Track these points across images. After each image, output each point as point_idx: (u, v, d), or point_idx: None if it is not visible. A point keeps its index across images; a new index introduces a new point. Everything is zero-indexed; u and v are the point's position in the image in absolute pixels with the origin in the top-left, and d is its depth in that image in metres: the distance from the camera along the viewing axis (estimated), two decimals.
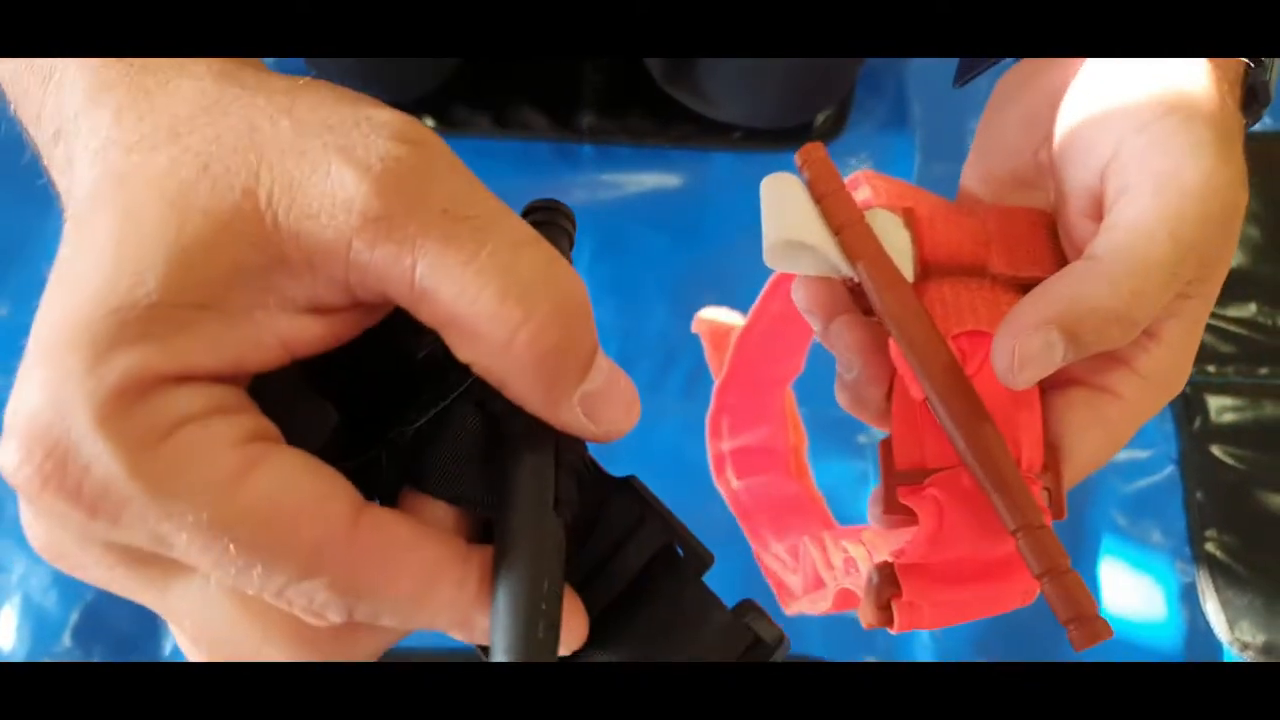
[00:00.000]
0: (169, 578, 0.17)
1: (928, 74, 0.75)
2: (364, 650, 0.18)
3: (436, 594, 0.17)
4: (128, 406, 0.15)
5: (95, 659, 0.61)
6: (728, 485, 0.40)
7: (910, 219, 0.25)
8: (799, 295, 0.26)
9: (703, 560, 0.19)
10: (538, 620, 0.16)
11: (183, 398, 0.15)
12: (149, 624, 0.62)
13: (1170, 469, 0.68)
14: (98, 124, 0.17)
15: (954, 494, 0.24)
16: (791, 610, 0.36)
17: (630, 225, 0.71)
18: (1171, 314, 0.24)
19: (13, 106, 0.20)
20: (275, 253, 0.16)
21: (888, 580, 0.25)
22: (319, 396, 0.17)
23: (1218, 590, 0.66)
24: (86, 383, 0.15)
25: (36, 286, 0.63)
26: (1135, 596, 0.66)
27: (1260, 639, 0.65)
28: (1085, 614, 0.22)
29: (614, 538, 0.19)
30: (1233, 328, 0.71)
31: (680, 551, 0.19)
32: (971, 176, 0.29)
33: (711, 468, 0.40)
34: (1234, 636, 0.65)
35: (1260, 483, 0.68)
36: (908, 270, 0.25)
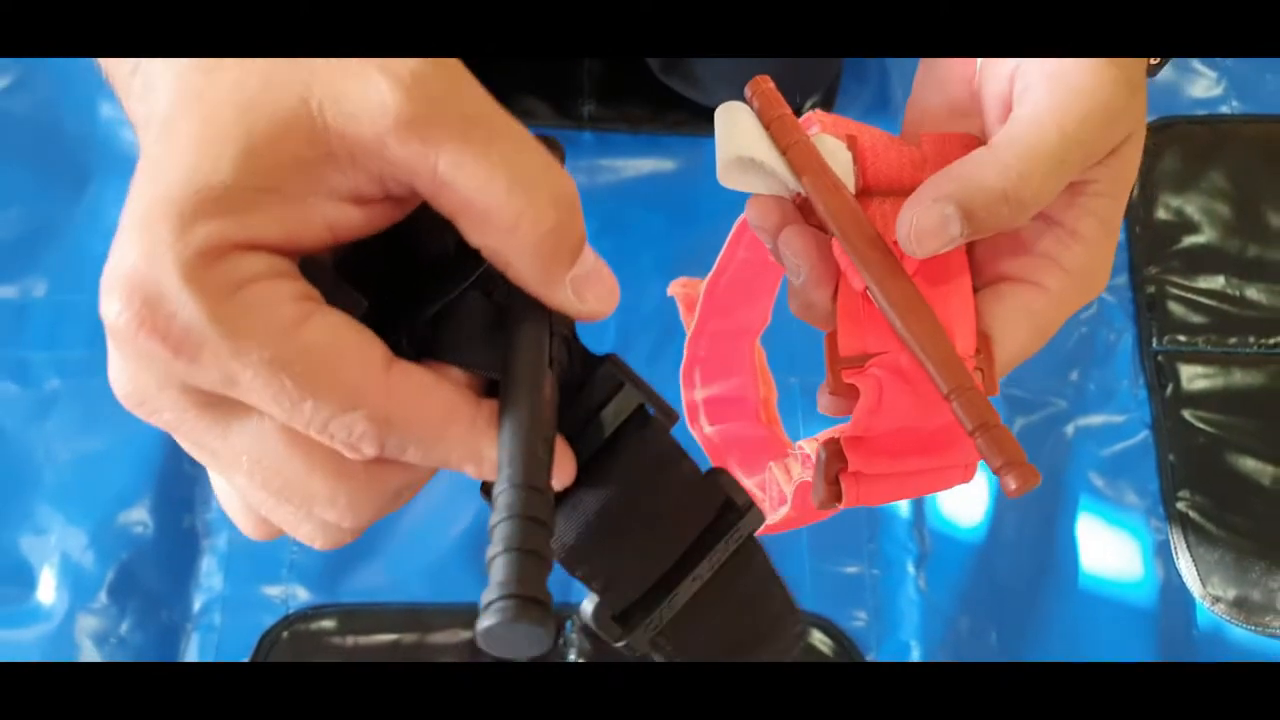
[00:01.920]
0: (231, 419, 0.20)
1: (910, 63, 0.78)
2: (392, 484, 0.21)
3: (453, 429, 0.20)
4: (208, 266, 0.18)
5: (129, 615, 0.65)
6: (700, 431, 0.42)
7: (852, 145, 0.28)
8: (752, 213, 0.28)
9: (670, 417, 0.22)
10: (537, 444, 0.20)
11: (251, 262, 0.19)
12: (180, 582, 0.66)
13: (1144, 433, 0.71)
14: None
15: (892, 371, 0.26)
16: (759, 533, 0.39)
17: (628, 207, 0.74)
18: (1087, 212, 0.27)
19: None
20: (324, 149, 0.19)
21: (835, 455, 0.27)
22: (350, 287, 0.21)
23: (1190, 547, 0.69)
24: (175, 246, 0.18)
25: (70, 267, 0.69)
26: (1112, 554, 0.69)
27: (1231, 593, 0.68)
28: (1016, 460, 0.24)
29: (597, 400, 0.22)
30: (1203, 299, 0.74)
31: (651, 412, 0.22)
32: (912, 113, 0.31)
33: (685, 416, 0.42)
34: (1205, 591, 0.68)
35: (1229, 445, 0.71)
36: (850, 188, 0.28)
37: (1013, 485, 0.24)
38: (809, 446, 0.29)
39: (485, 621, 0.17)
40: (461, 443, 0.20)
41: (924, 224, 0.26)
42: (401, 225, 0.22)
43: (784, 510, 0.33)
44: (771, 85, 0.28)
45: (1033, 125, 0.26)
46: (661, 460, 0.23)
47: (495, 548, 0.18)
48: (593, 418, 0.22)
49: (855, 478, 0.27)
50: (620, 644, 0.23)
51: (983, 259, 0.29)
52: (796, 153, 0.27)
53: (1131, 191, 0.83)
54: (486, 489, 0.23)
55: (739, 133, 0.28)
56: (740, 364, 0.42)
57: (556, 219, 0.20)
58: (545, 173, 0.20)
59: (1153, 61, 0.31)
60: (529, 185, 0.19)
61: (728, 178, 0.28)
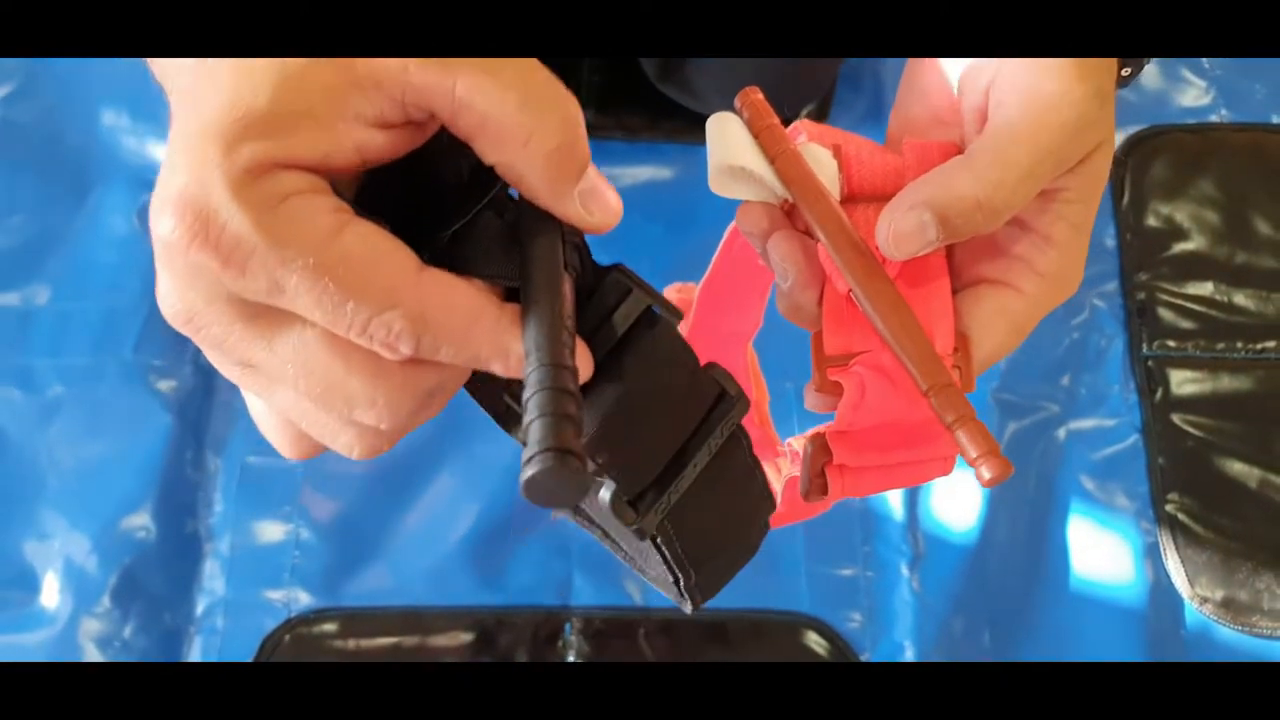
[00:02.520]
0: (275, 329, 0.21)
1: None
2: (426, 384, 0.22)
3: (481, 325, 0.21)
4: (253, 182, 0.20)
5: (132, 619, 0.65)
6: None
7: (838, 153, 0.29)
8: (742, 219, 0.30)
9: (675, 315, 0.24)
10: (561, 330, 0.21)
11: (291, 178, 0.20)
12: (183, 586, 0.67)
13: (1134, 437, 0.72)
14: None
15: (874, 369, 0.27)
16: None
17: (626, 215, 0.74)
18: (1060, 217, 0.28)
19: None
20: (351, 76, 0.20)
21: (820, 449, 0.28)
22: (374, 213, 0.22)
23: (1178, 549, 0.70)
24: (223, 165, 0.19)
25: (73, 274, 0.69)
26: (1102, 556, 0.70)
27: (1218, 594, 0.69)
28: (991, 451, 0.25)
29: (608, 304, 0.24)
30: (1192, 305, 0.75)
31: (657, 312, 0.24)
32: (896, 122, 0.32)
33: None
34: (1194, 592, 0.69)
35: (1218, 449, 0.72)
36: (835, 195, 0.29)
37: (987, 475, 0.25)
38: (797, 443, 0.30)
39: (529, 472, 0.19)
40: (490, 339, 0.22)
41: (901, 228, 0.27)
42: (418, 152, 0.23)
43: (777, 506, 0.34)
44: (761, 96, 0.29)
45: (1006, 136, 0.27)
46: (669, 355, 0.24)
47: (531, 415, 0.20)
48: (605, 320, 0.24)
49: (840, 470, 0.28)
50: (632, 527, 0.25)
51: (961, 262, 0.30)
52: (784, 161, 0.28)
53: (1122, 199, 0.83)
54: (494, 404, 0.25)
55: (729, 142, 0.29)
56: (733, 367, 0.43)
57: (564, 135, 0.21)
58: (553, 94, 0.21)
59: (1124, 72, 0.32)
60: (539, 105, 0.21)
61: (718, 185, 0.29)
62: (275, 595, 0.66)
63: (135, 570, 0.66)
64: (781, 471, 0.34)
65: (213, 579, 0.67)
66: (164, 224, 0.20)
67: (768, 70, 0.68)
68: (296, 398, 0.22)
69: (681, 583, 0.28)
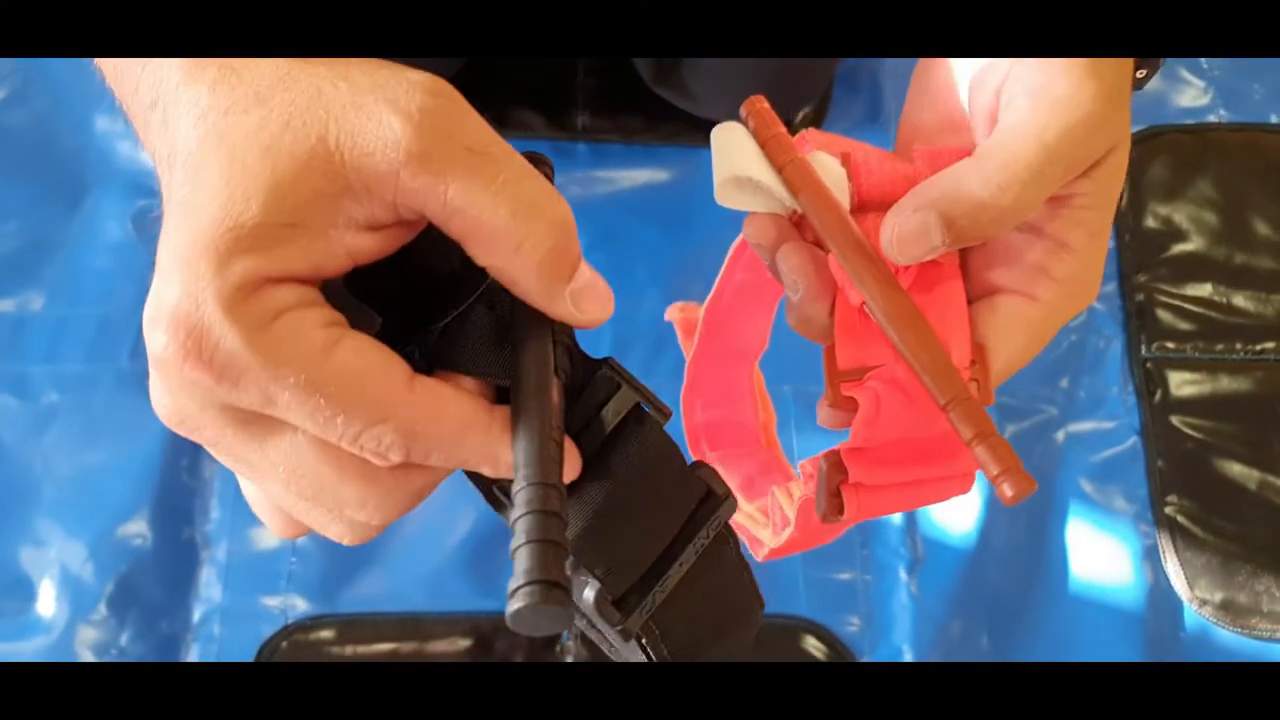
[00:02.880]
0: (267, 434, 0.22)
1: (902, 73, 0.79)
2: (415, 485, 0.23)
3: (471, 436, 0.22)
4: (245, 299, 0.20)
5: (129, 626, 0.65)
6: (703, 456, 0.42)
7: (846, 161, 0.28)
8: (749, 231, 0.29)
9: (663, 414, 0.24)
10: (549, 445, 0.21)
11: (283, 293, 0.20)
12: (180, 593, 0.66)
13: (1133, 439, 0.72)
14: (197, 95, 0.21)
15: (889, 383, 0.27)
16: (762, 557, 0.38)
17: (623, 218, 0.75)
18: (1075, 223, 0.27)
19: (109, 81, 0.25)
20: (343, 183, 0.21)
21: (835, 466, 0.27)
22: (365, 306, 0.23)
23: (1177, 551, 0.70)
24: (215, 282, 0.20)
25: (67, 281, 0.69)
26: (1101, 558, 0.69)
27: (1218, 596, 0.69)
28: (1013, 467, 0.25)
29: (597, 400, 0.24)
30: (1191, 306, 0.75)
31: (646, 409, 0.24)
32: (905, 128, 0.32)
33: (687, 441, 0.43)
34: (1193, 594, 0.69)
35: (1217, 451, 0.72)
36: (845, 204, 0.28)
37: (1010, 493, 0.24)
38: (810, 465, 0.30)
39: (514, 605, 0.19)
40: (480, 447, 0.22)
41: (906, 231, 0.26)
42: (410, 246, 0.23)
43: (787, 532, 0.33)
44: (766, 105, 0.29)
45: (1014, 137, 0.26)
46: (657, 455, 0.24)
47: (518, 540, 0.20)
48: (593, 416, 0.24)
49: (856, 489, 0.27)
50: (617, 628, 0.25)
51: (976, 271, 0.29)
52: (792, 171, 0.28)
53: (1120, 200, 0.83)
54: (487, 490, 0.25)
55: (735, 152, 0.28)
56: (739, 389, 0.42)
57: (555, 240, 0.22)
58: (544, 199, 0.22)
59: (1139, 74, 0.31)
60: (530, 211, 0.21)
61: (725, 197, 0.29)
62: (272, 602, 0.66)
63: (132, 578, 0.65)
64: (794, 495, 0.33)
65: (209, 586, 0.66)
66: (158, 340, 0.20)
67: (764, 72, 0.68)
68: (288, 494, 0.22)
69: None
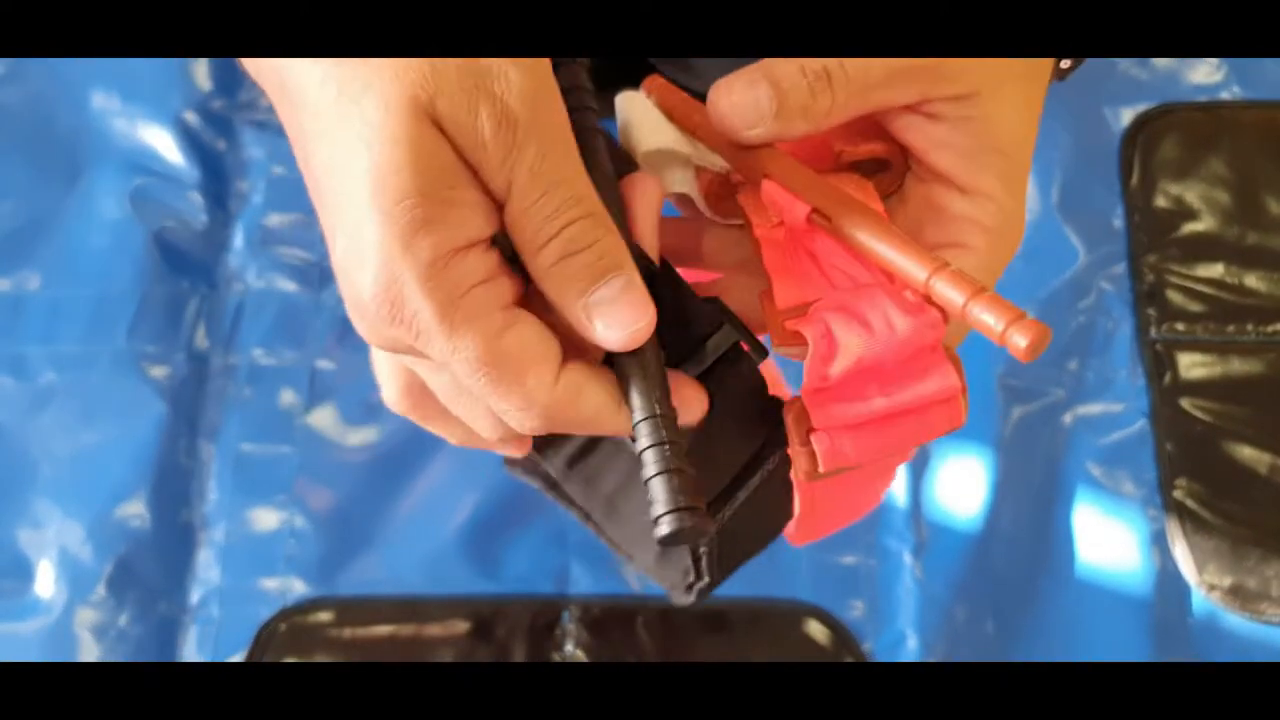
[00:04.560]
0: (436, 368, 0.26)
1: None
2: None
3: (600, 425, 0.25)
4: (438, 274, 0.22)
5: (127, 608, 0.65)
6: None
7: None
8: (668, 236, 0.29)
9: (760, 353, 0.26)
10: (657, 374, 0.24)
11: (471, 263, 0.23)
12: (178, 575, 0.66)
13: (1142, 422, 0.71)
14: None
15: (838, 310, 0.25)
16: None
17: None
18: (981, 168, 0.28)
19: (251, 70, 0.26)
20: (454, 158, 0.23)
21: (800, 415, 0.25)
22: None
23: (1186, 536, 0.69)
24: (407, 259, 0.22)
25: (64, 260, 0.68)
26: (1109, 543, 0.69)
27: (1227, 581, 0.68)
28: (1018, 316, 0.22)
29: (700, 333, 0.26)
30: (1201, 287, 0.74)
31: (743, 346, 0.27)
32: None
33: None
34: (1201, 579, 0.68)
35: (1227, 434, 0.71)
36: None
37: (1023, 342, 0.22)
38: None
39: (664, 529, 0.23)
40: (609, 428, 0.25)
41: (736, 97, 0.27)
42: None
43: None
44: (665, 80, 0.29)
45: None
46: (749, 389, 0.27)
47: (649, 470, 0.23)
48: (697, 348, 0.26)
49: (826, 435, 0.25)
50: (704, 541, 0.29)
51: (908, 231, 0.29)
52: (708, 126, 0.28)
53: (1130, 178, 0.81)
54: (512, 462, 0.29)
55: (645, 124, 0.29)
56: None
57: (575, 232, 0.23)
58: (570, 180, 0.23)
59: (1064, 65, 0.31)
60: (551, 191, 0.23)
61: (649, 165, 0.29)
62: (270, 584, 0.66)
63: (130, 559, 0.65)
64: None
65: (207, 568, 0.66)
66: (370, 307, 0.23)
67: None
68: (464, 380, 0.24)
69: (698, 583, 0.31)
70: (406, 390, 0.30)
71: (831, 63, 0.26)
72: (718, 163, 0.28)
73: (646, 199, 0.26)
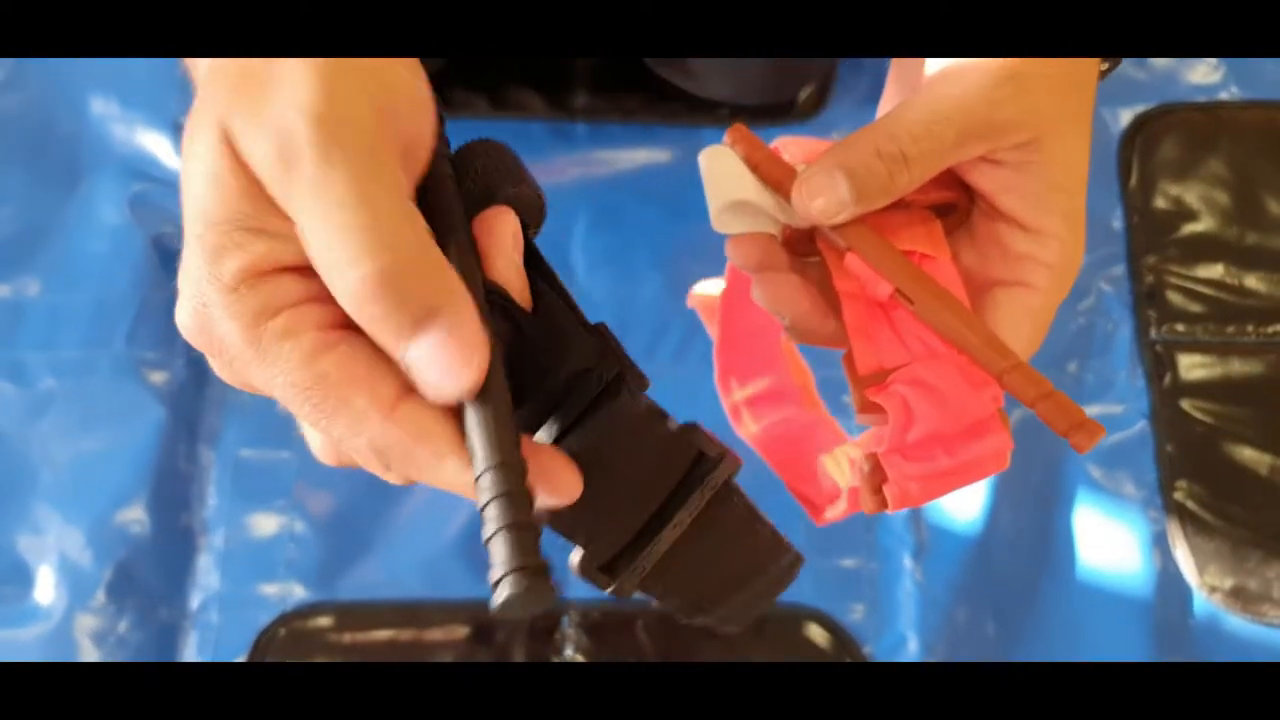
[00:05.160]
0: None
1: None
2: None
3: (449, 463, 0.21)
4: (242, 292, 0.21)
5: (127, 614, 0.65)
6: (747, 430, 0.43)
7: None
8: (734, 254, 0.30)
9: (640, 383, 0.24)
10: (503, 423, 0.21)
11: (284, 286, 0.21)
12: (178, 581, 0.66)
13: (1142, 424, 0.71)
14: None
15: (914, 384, 0.28)
16: (821, 522, 0.39)
17: (623, 200, 0.74)
18: (1044, 208, 0.29)
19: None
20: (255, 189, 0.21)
21: (876, 469, 0.29)
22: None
23: (1187, 537, 0.69)
24: (211, 275, 0.21)
25: (63, 266, 0.68)
26: (1109, 545, 0.68)
27: (1228, 583, 0.68)
28: (1081, 420, 0.27)
29: (575, 368, 0.24)
30: (1201, 288, 0.74)
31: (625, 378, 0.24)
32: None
33: (730, 419, 0.43)
34: (1202, 581, 0.68)
35: (1227, 435, 0.70)
36: None
37: (1083, 445, 0.27)
38: (853, 452, 0.31)
39: (501, 596, 0.20)
40: (459, 476, 0.22)
41: (814, 187, 0.28)
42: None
43: (841, 506, 0.34)
44: (748, 130, 0.30)
45: (908, 103, 0.28)
46: (635, 423, 0.24)
47: (489, 529, 0.20)
48: (573, 385, 0.24)
49: (897, 486, 0.29)
50: (608, 590, 0.25)
51: (974, 269, 0.31)
52: (791, 188, 0.28)
53: (1129, 179, 0.81)
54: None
55: (727, 176, 0.29)
56: (771, 359, 0.43)
57: (374, 268, 0.20)
58: (385, 220, 0.20)
59: (1102, 66, 0.32)
60: (361, 232, 0.20)
61: (722, 224, 0.29)
62: (270, 589, 0.66)
63: (130, 565, 0.65)
64: (842, 467, 0.35)
65: (207, 573, 0.66)
66: (184, 325, 0.22)
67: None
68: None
69: (700, 621, 0.28)
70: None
71: (905, 141, 0.27)
72: (799, 220, 0.29)
73: (500, 233, 0.24)
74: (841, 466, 0.36)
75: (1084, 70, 0.29)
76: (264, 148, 0.20)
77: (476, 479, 0.21)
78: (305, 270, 0.21)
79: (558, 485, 0.23)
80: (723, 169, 0.29)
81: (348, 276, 0.20)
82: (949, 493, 0.30)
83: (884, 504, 0.29)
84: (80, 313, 0.70)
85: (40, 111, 0.75)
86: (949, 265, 0.29)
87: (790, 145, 0.30)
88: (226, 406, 0.69)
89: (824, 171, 0.27)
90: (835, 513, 0.36)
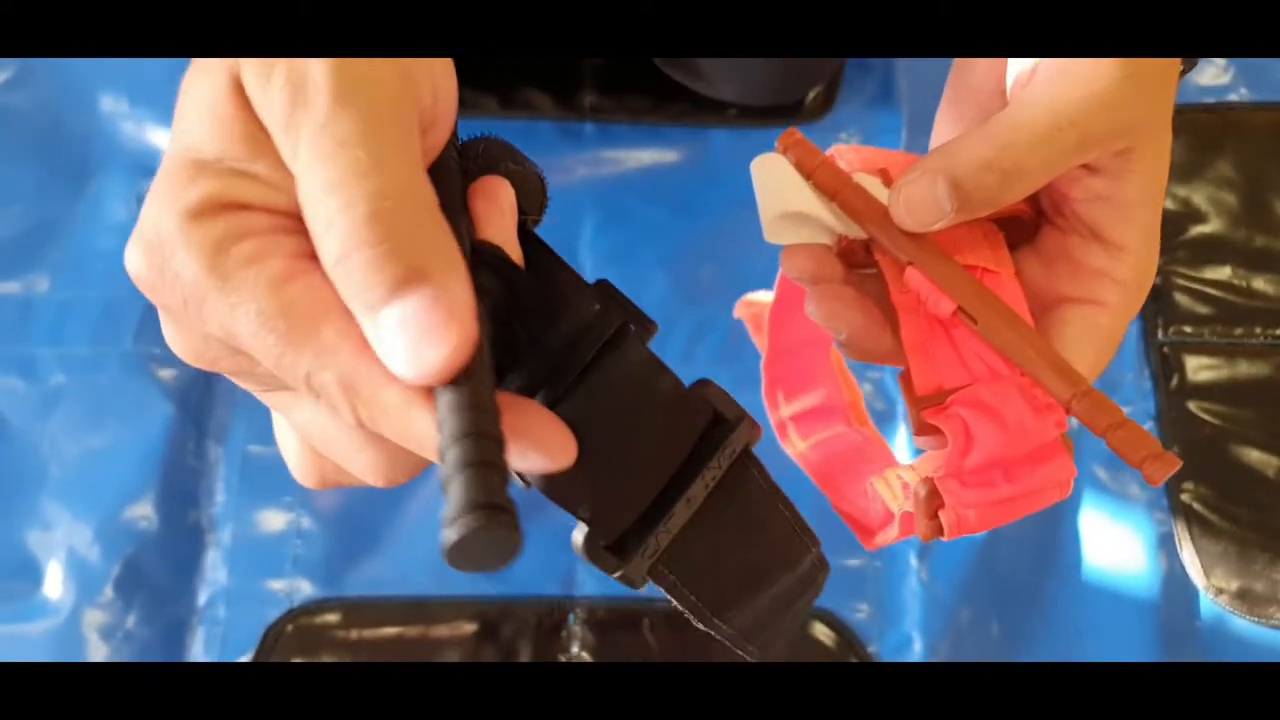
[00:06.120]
0: (291, 401, 0.21)
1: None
2: (409, 457, 0.21)
3: (415, 418, 0.19)
4: (203, 219, 0.19)
5: (135, 610, 0.65)
6: (794, 447, 0.41)
7: (885, 178, 0.28)
8: (788, 265, 0.28)
9: (647, 329, 0.22)
10: (476, 369, 0.18)
11: (249, 218, 0.19)
12: (185, 576, 0.66)
13: (1149, 425, 0.71)
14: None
15: (973, 406, 0.26)
16: (871, 546, 0.38)
17: (631, 199, 0.74)
18: (1128, 222, 0.27)
19: None
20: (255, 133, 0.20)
21: (933, 494, 0.28)
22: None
23: (1193, 539, 0.68)
24: (174, 205, 0.19)
25: (73, 263, 0.69)
26: (1116, 546, 0.68)
27: (1234, 585, 0.68)
28: (1155, 451, 0.26)
29: (577, 324, 0.21)
30: (1209, 290, 0.74)
31: (632, 328, 0.22)
32: (944, 124, 0.31)
33: (776, 434, 0.42)
34: (1209, 583, 0.68)
35: (1234, 437, 0.70)
36: None
37: (1157, 476, 0.25)
38: (907, 475, 0.30)
39: (450, 536, 0.16)
40: (429, 427, 0.19)
41: (914, 195, 0.26)
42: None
43: (894, 532, 0.33)
44: (802, 135, 0.28)
45: (1025, 105, 0.26)
46: (641, 376, 0.21)
47: (447, 470, 0.17)
48: (574, 341, 0.21)
49: (954, 510, 0.28)
50: (617, 575, 0.22)
51: (1038, 284, 0.29)
52: (850, 196, 0.27)
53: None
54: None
55: (780, 185, 0.28)
56: (819, 374, 0.41)
57: (365, 233, 0.18)
58: (365, 173, 0.18)
59: (1180, 67, 0.31)
60: (344, 186, 0.18)
61: (774, 233, 0.28)
62: (277, 585, 0.66)
63: (138, 561, 0.65)
64: (894, 490, 0.33)
65: (215, 569, 0.66)
66: (131, 262, 0.20)
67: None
68: (315, 414, 0.22)
69: (715, 635, 0.25)
70: (308, 452, 0.24)
71: (1021, 150, 0.25)
72: (856, 230, 0.28)
73: (494, 196, 0.22)
74: (894, 489, 0.34)
75: (1174, 72, 0.27)
76: (277, 90, 0.19)
77: (439, 421, 0.18)
78: (279, 213, 0.19)
79: (547, 444, 0.20)
80: (775, 177, 0.28)
81: (338, 220, 0.18)
82: (1008, 521, 0.28)
83: (939, 531, 0.28)
84: (89, 309, 0.70)
85: (49, 109, 0.75)
86: (1013, 281, 0.28)
87: (847, 153, 0.29)
88: (235, 403, 0.69)
89: (927, 178, 0.26)
90: (887, 538, 0.34)
